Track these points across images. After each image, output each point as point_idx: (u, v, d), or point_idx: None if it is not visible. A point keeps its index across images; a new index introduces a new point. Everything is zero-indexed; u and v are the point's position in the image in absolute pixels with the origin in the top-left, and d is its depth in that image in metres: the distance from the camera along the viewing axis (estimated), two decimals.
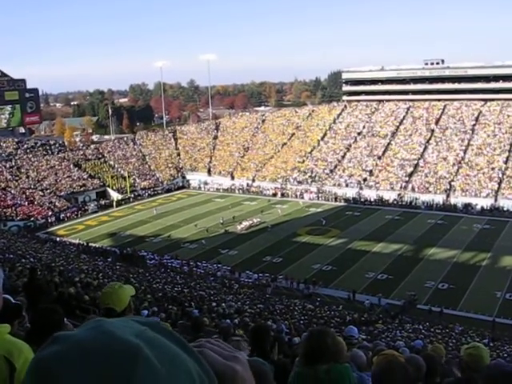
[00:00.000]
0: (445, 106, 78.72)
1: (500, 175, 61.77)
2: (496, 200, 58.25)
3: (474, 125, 72.88)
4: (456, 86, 78.54)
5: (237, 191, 72.97)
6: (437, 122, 76.10)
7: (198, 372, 0.84)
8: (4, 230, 52.43)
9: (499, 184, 60.46)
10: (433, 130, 74.53)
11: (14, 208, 59.41)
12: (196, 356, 0.88)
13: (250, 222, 54.36)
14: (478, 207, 57.30)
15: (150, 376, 0.77)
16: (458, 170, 64.74)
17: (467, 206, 57.78)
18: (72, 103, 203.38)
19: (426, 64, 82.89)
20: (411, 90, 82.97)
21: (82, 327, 0.86)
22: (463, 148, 68.83)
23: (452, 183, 62.62)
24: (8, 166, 69.13)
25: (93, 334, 0.81)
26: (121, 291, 4.44)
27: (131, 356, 0.77)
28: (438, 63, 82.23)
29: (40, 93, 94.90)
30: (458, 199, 59.42)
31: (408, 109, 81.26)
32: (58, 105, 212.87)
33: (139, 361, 0.77)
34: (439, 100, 79.82)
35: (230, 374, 0.93)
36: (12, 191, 63.65)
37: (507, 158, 64.63)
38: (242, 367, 0.98)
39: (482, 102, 76.16)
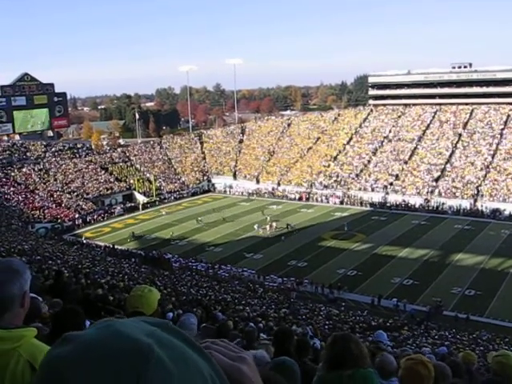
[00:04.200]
0: (472, 109, 77.82)
1: None
2: None
3: (503, 129, 71.92)
4: (484, 89, 77.61)
5: (253, 195, 73.03)
6: (464, 126, 75.25)
7: (209, 373, 0.84)
8: (32, 232, 53.13)
9: None
10: (460, 135, 73.71)
11: (41, 210, 60.21)
12: (207, 357, 0.87)
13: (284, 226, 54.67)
14: (506, 213, 56.45)
15: (163, 376, 0.76)
16: (485, 175, 63.92)
17: (495, 212, 57.01)
18: (99, 107, 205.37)
19: (454, 68, 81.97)
20: (438, 94, 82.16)
21: (91, 327, 0.85)
22: (491, 152, 67.94)
23: (479, 188, 61.83)
24: (36, 168, 70.11)
25: (103, 333, 0.80)
26: (150, 295, 4.44)
27: (143, 355, 0.76)
28: (465, 67, 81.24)
29: (68, 97, 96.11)
30: (485, 204, 58.69)
31: (435, 113, 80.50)
32: (85, 109, 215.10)
33: (151, 360, 0.76)
34: (467, 104, 78.91)
35: (236, 374, 0.92)
36: (40, 193, 64.54)
37: None
38: (249, 367, 0.98)
39: (511, 106, 75.12)
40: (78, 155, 77.21)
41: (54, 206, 62.34)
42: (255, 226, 54.30)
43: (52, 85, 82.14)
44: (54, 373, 0.78)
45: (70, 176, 70.92)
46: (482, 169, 65.20)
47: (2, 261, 2.24)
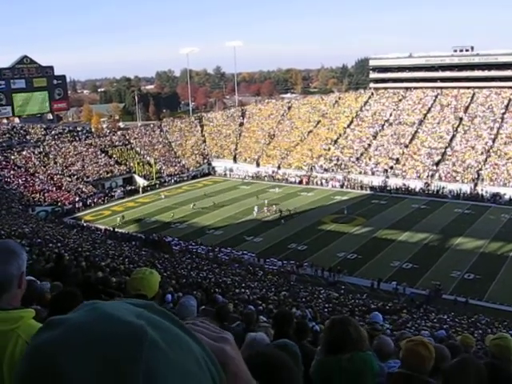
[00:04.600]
0: (474, 93, 77.49)
1: None
2: None
3: (504, 113, 71.65)
4: (486, 73, 77.22)
5: (247, 177, 73.01)
6: (465, 110, 75.00)
7: (201, 355, 0.81)
8: (32, 215, 53.18)
9: None
10: (461, 118, 73.50)
11: (42, 193, 60.23)
12: (197, 339, 0.84)
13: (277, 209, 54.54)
14: (506, 197, 56.40)
15: (158, 357, 0.73)
16: (486, 159, 63.82)
17: (495, 196, 57.00)
18: (99, 90, 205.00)
19: (455, 51, 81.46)
20: (439, 78, 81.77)
21: (76, 310, 0.80)
22: (492, 137, 67.79)
23: (480, 172, 61.78)
24: (36, 152, 70.02)
25: (91, 316, 0.76)
26: (151, 277, 4.44)
27: (136, 338, 0.73)
28: (467, 50, 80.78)
29: (68, 79, 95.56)
30: (485, 188, 58.63)
31: (436, 96, 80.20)
32: (85, 91, 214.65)
33: (145, 343, 0.73)
34: (468, 88, 78.52)
35: (219, 355, 0.90)
36: (40, 177, 64.52)
37: None
38: (231, 347, 0.96)
39: None
40: (77, 138, 77.07)
41: (54, 189, 62.33)
42: (255, 208, 54.38)
43: (51, 67, 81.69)
44: (45, 358, 0.72)
45: (70, 159, 70.86)
46: (482, 153, 65.09)
47: None
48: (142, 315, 0.78)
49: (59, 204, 59.24)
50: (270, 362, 1.85)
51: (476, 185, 60.01)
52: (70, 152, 72.37)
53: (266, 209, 54.57)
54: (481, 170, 62.20)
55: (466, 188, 59.62)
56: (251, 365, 1.76)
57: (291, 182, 69.91)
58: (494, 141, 66.92)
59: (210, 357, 0.84)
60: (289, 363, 1.89)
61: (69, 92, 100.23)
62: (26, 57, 77.88)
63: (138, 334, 0.73)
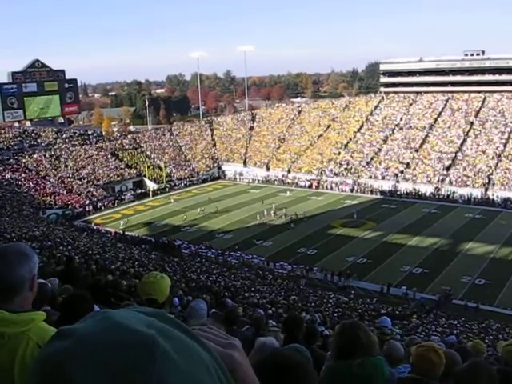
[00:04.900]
0: (485, 98, 77.14)
1: None
2: None
3: None
4: (497, 77, 76.84)
5: (256, 181, 72.95)
6: (476, 115, 74.69)
7: (211, 363, 0.81)
8: (43, 218, 53.42)
9: None
10: (472, 123, 73.16)
11: (52, 196, 60.51)
12: (206, 347, 0.84)
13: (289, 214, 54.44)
14: None
15: (169, 368, 0.73)
16: (497, 164, 63.47)
17: (506, 201, 56.63)
18: (110, 94, 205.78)
19: (466, 55, 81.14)
20: (450, 82, 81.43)
21: (86, 320, 0.80)
22: (503, 141, 67.42)
23: (491, 177, 61.45)
24: (47, 155, 70.35)
25: (102, 326, 0.76)
26: (163, 282, 4.45)
27: (147, 348, 0.73)
28: (478, 54, 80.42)
29: (79, 83, 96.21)
30: (496, 193, 58.31)
31: (447, 101, 79.90)
32: (96, 95, 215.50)
33: (156, 353, 0.73)
34: (479, 92, 78.19)
35: (228, 362, 0.90)
36: (51, 180, 64.82)
37: None
38: (240, 354, 0.96)
39: None
40: (88, 142, 77.36)
41: (64, 192, 62.60)
42: (264, 212, 54.31)
43: (63, 71, 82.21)
44: (55, 367, 0.73)
45: (81, 162, 71.17)
46: (493, 157, 64.75)
47: (10, 245, 2.25)
48: (153, 324, 0.78)
49: (70, 207, 59.48)
50: (285, 361, 1.83)
51: (487, 189, 59.69)
52: (80, 155, 72.69)
53: (272, 212, 54.48)
54: (492, 174, 61.87)
55: (477, 193, 59.33)
56: (265, 366, 1.75)
57: (301, 186, 69.84)
58: (505, 145, 66.56)
59: (220, 365, 0.84)
60: (304, 362, 1.87)
61: (80, 95, 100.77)
62: (37, 61, 78.52)
63: (148, 343, 0.73)
